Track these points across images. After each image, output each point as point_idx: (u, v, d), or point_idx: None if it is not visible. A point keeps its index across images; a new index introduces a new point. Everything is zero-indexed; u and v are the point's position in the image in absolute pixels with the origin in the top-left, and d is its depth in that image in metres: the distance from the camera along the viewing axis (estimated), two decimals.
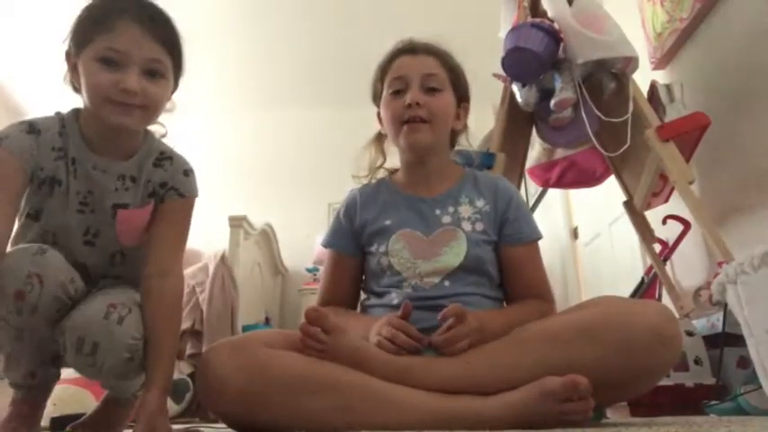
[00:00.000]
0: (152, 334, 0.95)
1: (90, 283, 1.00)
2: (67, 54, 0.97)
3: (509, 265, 1.10)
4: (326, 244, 1.18)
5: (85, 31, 0.94)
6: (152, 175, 1.04)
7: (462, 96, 1.18)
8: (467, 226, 1.08)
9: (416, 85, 1.10)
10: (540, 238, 1.13)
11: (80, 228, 1.00)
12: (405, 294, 1.04)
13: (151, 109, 0.97)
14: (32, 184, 0.96)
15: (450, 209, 1.11)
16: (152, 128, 1.08)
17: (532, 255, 1.11)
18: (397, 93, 1.12)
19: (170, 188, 1.04)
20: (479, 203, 1.11)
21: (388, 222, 1.11)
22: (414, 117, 1.08)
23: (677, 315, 1.82)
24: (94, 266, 1.03)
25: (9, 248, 0.95)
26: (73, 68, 0.97)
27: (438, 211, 1.10)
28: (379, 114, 1.21)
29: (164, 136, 1.10)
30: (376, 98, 1.21)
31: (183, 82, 1.06)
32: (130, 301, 0.96)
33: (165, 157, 1.06)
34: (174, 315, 1.01)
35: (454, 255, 1.05)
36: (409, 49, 1.16)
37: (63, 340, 0.90)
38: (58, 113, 1.01)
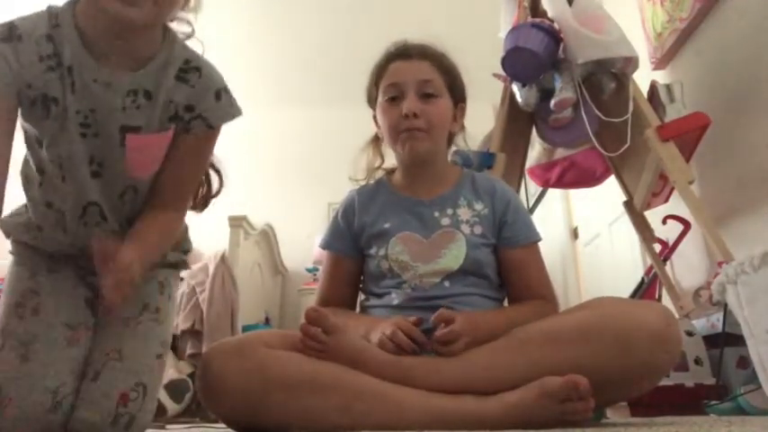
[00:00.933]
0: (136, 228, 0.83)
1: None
2: None
3: (509, 268, 1.09)
4: (325, 245, 1.18)
5: None
6: (174, 93, 0.84)
7: (459, 98, 1.16)
8: (466, 229, 1.08)
9: (412, 92, 1.08)
10: (539, 240, 1.13)
11: (86, 153, 0.82)
12: (405, 294, 1.04)
13: (163, 1, 0.77)
14: (22, 105, 0.79)
15: (449, 210, 1.10)
16: (173, 26, 0.87)
17: (532, 256, 1.11)
18: (393, 99, 1.10)
19: (198, 116, 0.85)
20: (478, 207, 1.11)
21: (387, 225, 1.10)
22: (411, 127, 1.07)
23: (677, 315, 1.82)
24: (108, 207, 0.87)
25: (23, 187, 0.87)
26: None
27: (437, 214, 1.09)
28: (375, 117, 1.20)
29: (189, 36, 0.90)
30: (371, 101, 1.20)
31: None
32: (147, 376, 0.86)
33: (192, 68, 0.86)
34: (165, 237, 0.88)
35: (453, 257, 1.05)
36: (403, 53, 1.13)
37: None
38: (49, 8, 0.80)
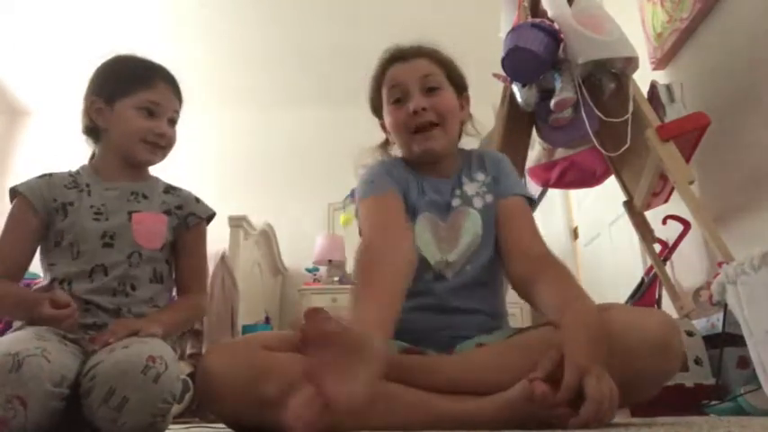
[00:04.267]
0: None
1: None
2: (93, 101, 1.15)
3: (503, 217, 1.09)
4: (378, 190, 1.06)
5: (124, 84, 1.14)
6: (164, 198, 1.18)
7: (461, 87, 1.18)
8: (478, 202, 1.10)
9: (416, 90, 1.09)
10: (530, 196, 1.14)
11: (97, 231, 1.08)
12: (423, 283, 1.03)
13: (169, 149, 1.19)
14: (52, 216, 1.09)
15: (458, 191, 1.12)
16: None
17: (525, 210, 1.11)
18: (398, 101, 1.11)
19: (190, 213, 1.19)
20: (480, 177, 1.13)
21: (414, 203, 1.10)
22: (423, 124, 1.08)
23: (677, 315, 1.82)
24: (113, 266, 1.07)
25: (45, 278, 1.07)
26: (98, 112, 1.14)
27: (448, 196, 1.12)
28: (382, 125, 1.21)
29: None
30: (376, 111, 1.21)
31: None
32: (168, 355, 0.91)
33: (173, 188, 1.23)
34: (191, 309, 1.17)
35: (472, 232, 1.07)
36: (399, 56, 1.15)
37: (90, 386, 0.84)
38: (70, 170, 1.18)
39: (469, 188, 1.12)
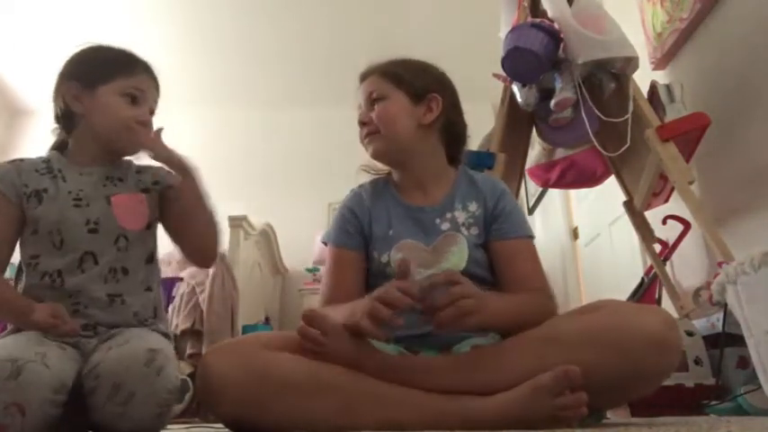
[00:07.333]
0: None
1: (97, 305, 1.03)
2: (69, 87, 1.12)
3: (502, 260, 1.09)
4: (331, 241, 1.16)
5: (107, 70, 1.12)
6: (139, 177, 1.17)
7: (420, 91, 1.16)
8: (464, 231, 1.11)
9: (365, 106, 1.17)
10: (531, 235, 1.13)
11: (81, 218, 1.06)
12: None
13: None
14: (24, 204, 1.06)
15: (448, 215, 1.12)
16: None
17: (526, 250, 1.10)
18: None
19: (168, 186, 1.16)
20: (472, 208, 1.13)
21: (391, 232, 1.12)
22: (367, 133, 1.16)
23: (677, 315, 1.82)
24: (102, 253, 1.05)
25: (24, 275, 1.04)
26: (75, 98, 1.11)
27: (437, 220, 1.12)
28: None
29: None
30: None
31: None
32: (167, 348, 0.91)
33: (144, 167, 1.21)
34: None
35: (457, 259, 1.07)
36: (360, 78, 1.22)
37: (94, 384, 0.85)
38: (41, 157, 1.17)
39: (460, 216, 1.12)
